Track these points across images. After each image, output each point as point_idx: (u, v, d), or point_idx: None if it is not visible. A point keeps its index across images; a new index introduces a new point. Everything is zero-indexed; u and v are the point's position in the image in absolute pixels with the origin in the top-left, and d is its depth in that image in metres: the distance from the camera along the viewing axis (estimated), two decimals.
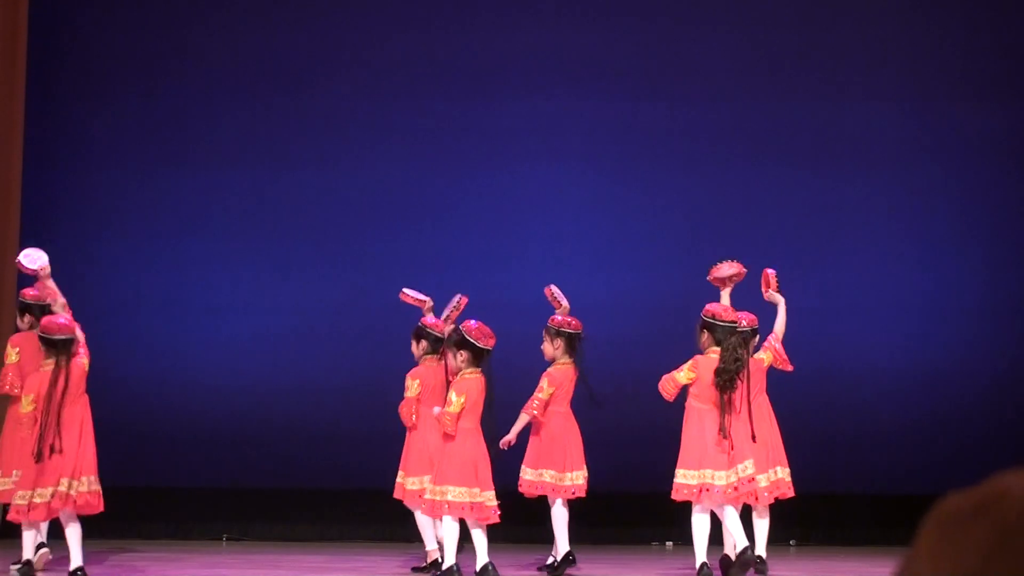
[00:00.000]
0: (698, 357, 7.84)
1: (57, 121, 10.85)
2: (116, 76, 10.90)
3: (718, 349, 7.74)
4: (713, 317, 7.86)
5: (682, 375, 7.77)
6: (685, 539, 9.47)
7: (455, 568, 7.54)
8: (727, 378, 7.68)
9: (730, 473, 7.62)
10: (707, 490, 7.62)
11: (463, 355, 7.65)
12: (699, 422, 7.73)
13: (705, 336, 7.87)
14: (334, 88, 10.89)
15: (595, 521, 9.62)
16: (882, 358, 10.64)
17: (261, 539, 10.32)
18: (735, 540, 7.70)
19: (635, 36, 10.96)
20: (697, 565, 7.71)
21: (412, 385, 8.29)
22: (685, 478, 7.68)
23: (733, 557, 7.75)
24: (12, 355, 8.50)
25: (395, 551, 9.34)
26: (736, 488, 7.65)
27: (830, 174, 10.86)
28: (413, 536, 8.85)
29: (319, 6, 11.00)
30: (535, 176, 10.81)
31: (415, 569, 8.46)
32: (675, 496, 7.76)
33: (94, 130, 10.89)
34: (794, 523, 10.34)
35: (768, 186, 10.84)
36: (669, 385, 7.79)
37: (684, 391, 7.84)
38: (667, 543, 10.23)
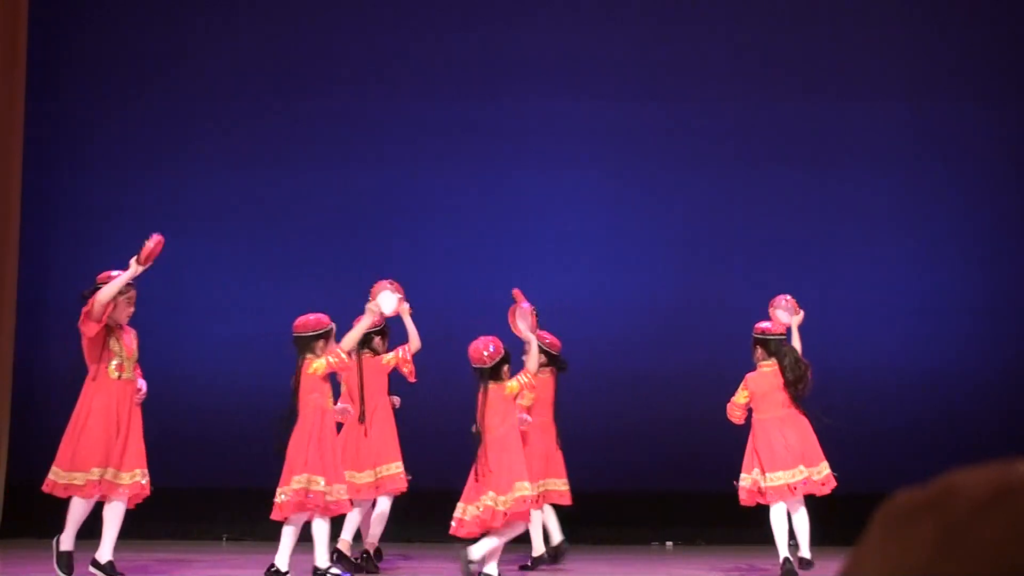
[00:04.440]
0: (748, 375, 8.15)
1: (57, 121, 10.86)
2: (116, 76, 10.90)
3: (771, 362, 8.08)
4: (763, 333, 8.20)
5: (741, 398, 8.10)
6: (685, 539, 9.49)
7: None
8: (800, 385, 8.05)
9: (795, 472, 8.02)
10: (793, 488, 7.98)
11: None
12: (765, 433, 8.06)
13: (758, 351, 8.18)
14: (334, 89, 10.89)
15: (595, 521, 9.62)
16: (882, 358, 10.65)
17: (261, 539, 10.32)
18: (800, 539, 8.08)
19: (635, 36, 10.96)
20: (780, 559, 8.00)
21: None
22: (771, 481, 7.97)
23: (798, 556, 8.04)
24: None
25: (395, 550, 9.34)
26: (797, 487, 8.03)
27: (830, 174, 10.87)
28: (414, 536, 8.86)
29: (319, 7, 11.00)
30: (535, 176, 10.81)
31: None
32: (748, 501, 8.07)
33: (94, 130, 10.89)
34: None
35: (768, 186, 10.84)
36: (735, 410, 8.10)
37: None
38: (667, 543, 10.23)
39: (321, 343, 7.65)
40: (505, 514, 7.37)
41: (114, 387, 7.48)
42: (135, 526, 10.28)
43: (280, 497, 7.45)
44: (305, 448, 7.51)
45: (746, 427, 8.19)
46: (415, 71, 10.92)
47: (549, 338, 8.58)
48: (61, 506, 10.38)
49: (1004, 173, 10.90)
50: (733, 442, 10.52)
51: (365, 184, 10.82)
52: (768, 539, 9.32)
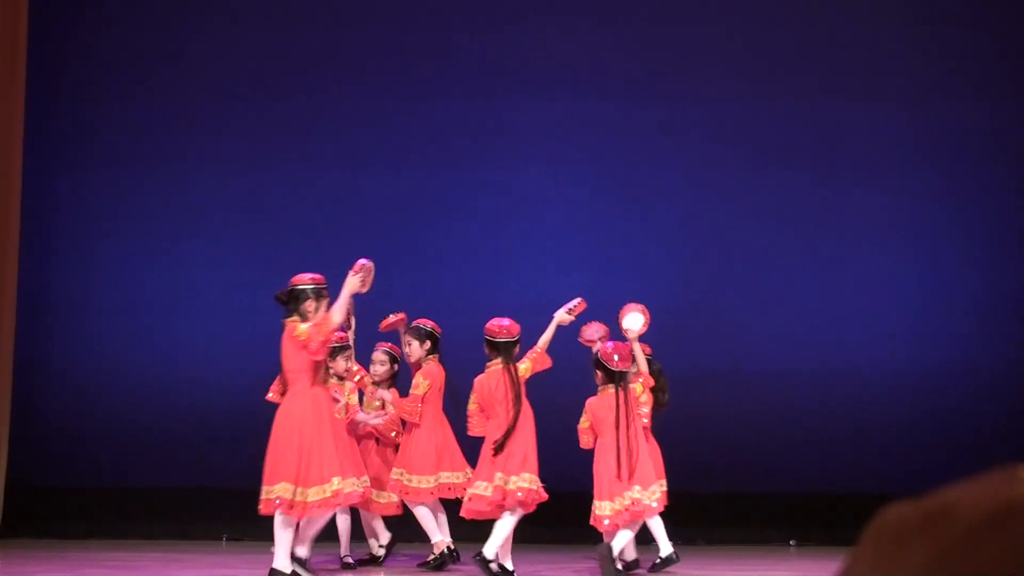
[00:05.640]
0: (591, 400, 8.09)
1: (57, 121, 10.86)
2: (116, 76, 10.90)
3: (609, 386, 7.97)
4: (607, 360, 8.04)
5: (585, 423, 8.11)
6: (685, 539, 9.47)
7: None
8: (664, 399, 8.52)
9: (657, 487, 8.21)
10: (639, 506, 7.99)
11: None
12: (607, 455, 8.02)
13: (599, 375, 8.08)
14: (333, 89, 10.89)
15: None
16: (882, 358, 10.64)
17: (261, 539, 10.31)
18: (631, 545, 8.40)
19: (635, 37, 10.96)
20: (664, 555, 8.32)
21: (422, 383, 8.58)
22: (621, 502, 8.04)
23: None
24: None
25: (395, 550, 9.34)
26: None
27: (829, 174, 10.86)
28: (414, 535, 8.86)
29: (319, 7, 11.00)
30: (535, 176, 10.81)
31: (421, 565, 8.63)
32: (600, 524, 8.08)
33: (94, 130, 10.89)
34: (794, 523, 10.34)
35: (767, 186, 10.84)
36: (586, 437, 8.10)
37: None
38: None
39: (517, 348, 8.03)
40: (650, 507, 7.87)
41: (326, 396, 7.61)
42: (135, 526, 10.31)
43: (518, 494, 7.80)
44: (534, 448, 7.92)
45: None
46: (415, 71, 10.91)
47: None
48: (61, 507, 10.40)
49: (1003, 173, 10.90)
50: (732, 442, 10.54)
51: (365, 184, 10.81)
52: (767, 539, 9.35)
